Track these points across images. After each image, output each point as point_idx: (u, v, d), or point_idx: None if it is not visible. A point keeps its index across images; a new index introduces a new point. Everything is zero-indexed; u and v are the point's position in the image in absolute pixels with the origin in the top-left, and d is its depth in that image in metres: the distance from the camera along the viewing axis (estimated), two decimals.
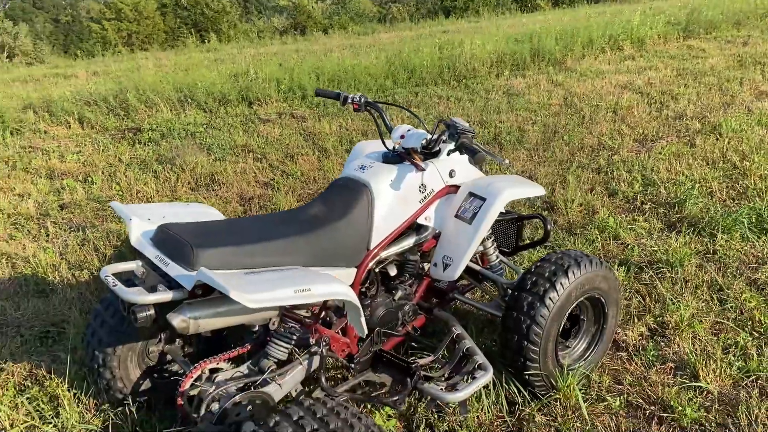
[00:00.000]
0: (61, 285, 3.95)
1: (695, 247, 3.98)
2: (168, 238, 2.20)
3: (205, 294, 2.19)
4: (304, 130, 7.30)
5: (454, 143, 2.48)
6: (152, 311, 2.11)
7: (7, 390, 2.96)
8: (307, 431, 1.90)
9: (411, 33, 20.65)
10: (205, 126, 7.68)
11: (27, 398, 2.86)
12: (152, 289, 2.14)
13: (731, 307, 3.34)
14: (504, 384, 2.77)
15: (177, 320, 2.03)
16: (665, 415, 2.64)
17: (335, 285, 2.12)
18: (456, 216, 2.69)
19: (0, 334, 3.45)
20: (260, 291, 1.91)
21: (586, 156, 5.87)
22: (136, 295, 2.05)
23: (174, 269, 2.09)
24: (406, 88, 9.47)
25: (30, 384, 3.01)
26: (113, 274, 2.22)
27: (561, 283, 2.58)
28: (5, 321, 3.58)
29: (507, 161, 2.48)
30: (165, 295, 2.09)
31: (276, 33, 35.91)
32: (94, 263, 4.20)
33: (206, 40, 23.96)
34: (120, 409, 2.71)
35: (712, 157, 5.56)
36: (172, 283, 2.17)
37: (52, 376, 3.00)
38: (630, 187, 5.00)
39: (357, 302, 2.18)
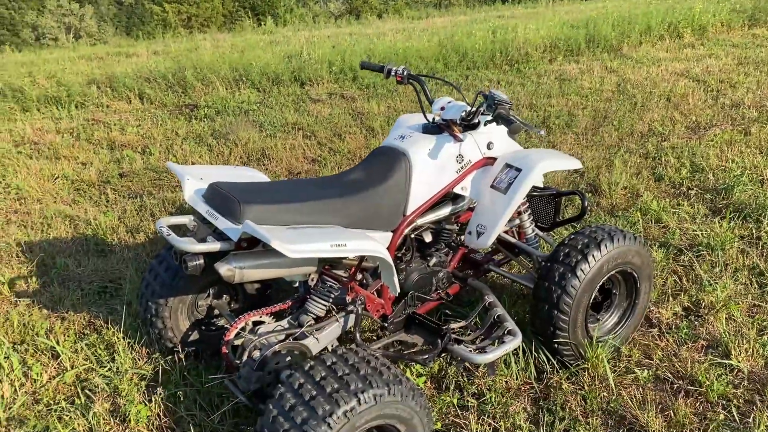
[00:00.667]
0: (119, 246, 4.20)
1: (739, 233, 3.94)
2: (218, 195, 2.35)
3: (250, 247, 2.34)
4: (353, 110, 7.43)
5: (491, 114, 2.55)
6: (201, 260, 2.29)
7: (68, 336, 3.20)
8: (339, 375, 2.03)
9: (465, 17, 20.51)
10: (258, 104, 7.90)
11: (86, 344, 3.09)
12: (202, 241, 2.31)
13: None
14: (533, 352, 2.85)
15: (224, 269, 2.19)
16: (692, 388, 2.68)
17: (369, 242, 2.24)
18: (492, 186, 2.77)
19: (63, 287, 3.71)
20: (299, 242, 2.04)
21: (635, 141, 5.81)
22: (187, 244, 2.22)
23: (222, 222, 2.25)
24: (457, 71, 9.49)
25: (89, 332, 3.25)
26: (168, 226, 2.39)
27: (593, 255, 2.63)
28: (68, 276, 3.85)
29: (543, 132, 2.53)
30: (213, 245, 2.25)
31: (332, 17, 36.22)
32: (150, 227, 4.44)
33: (262, 23, 24.36)
34: (169, 357, 2.91)
35: (766, 145, 5.43)
36: (221, 237, 2.34)
37: (109, 326, 3.23)
38: (677, 173, 4.95)
39: (389, 260, 2.29)
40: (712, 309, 3.18)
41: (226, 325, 2.98)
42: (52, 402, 2.73)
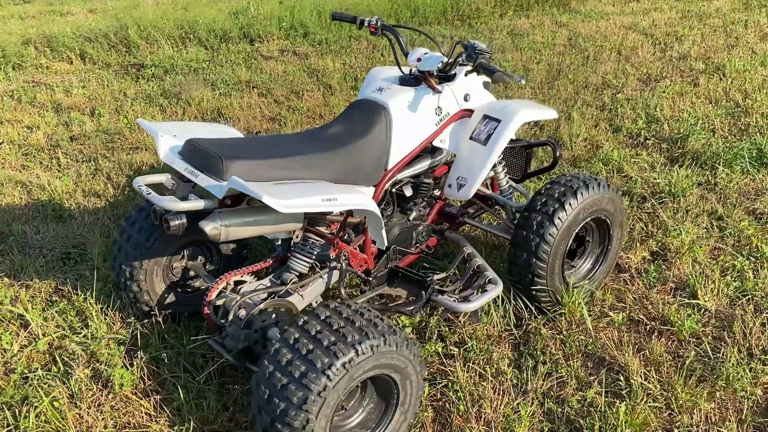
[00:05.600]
0: (78, 211, 4.04)
1: (696, 180, 4.09)
2: (197, 151, 2.27)
3: (234, 205, 2.29)
4: (308, 67, 7.28)
5: (471, 64, 2.54)
6: (184, 219, 2.23)
7: (35, 304, 3.08)
8: (335, 328, 2.03)
9: None
10: (207, 62, 7.64)
11: (56, 311, 2.99)
12: (183, 199, 2.24)
13: (730, 233, 3.48)
14: (511, 300, 2.91)
15: (209, 227, 2.13)
16: (665, 328, 2.80)
17: (359, 196, 2.22)
18: (471, 138, 2.77)
19: (24, 255, 3.55)
20: (290, 198, 2.01)
21: (590, 94, 5.90)
22: (170, 203, 2.15)
23: (204, 180, 2.18)
24: None
25: (57, 299, 3.14)
26: (146, 185, 2.31)
27: (570, 204, 2.68)
28: (27, 243, 3.69)
29: (523, 81, 2.53)
30: (197, 203, 2.19)
31: None
32: (108, 191, 4.28)
33: None
34: (146, 321, 2.85)
35: (715, 96, 5.61)
36: (200, 196, 2.27)
37: (78, 292, 3.12)
38: (634, 124, 5.07)
39: (378, 213, 2.29)
40: (678, 253, 3.31)
41: (201, 287, 2.93)
42: (27, 371, 2.64)
